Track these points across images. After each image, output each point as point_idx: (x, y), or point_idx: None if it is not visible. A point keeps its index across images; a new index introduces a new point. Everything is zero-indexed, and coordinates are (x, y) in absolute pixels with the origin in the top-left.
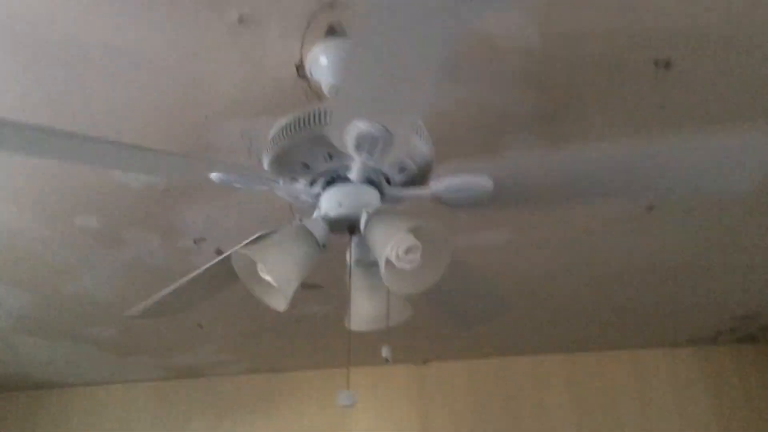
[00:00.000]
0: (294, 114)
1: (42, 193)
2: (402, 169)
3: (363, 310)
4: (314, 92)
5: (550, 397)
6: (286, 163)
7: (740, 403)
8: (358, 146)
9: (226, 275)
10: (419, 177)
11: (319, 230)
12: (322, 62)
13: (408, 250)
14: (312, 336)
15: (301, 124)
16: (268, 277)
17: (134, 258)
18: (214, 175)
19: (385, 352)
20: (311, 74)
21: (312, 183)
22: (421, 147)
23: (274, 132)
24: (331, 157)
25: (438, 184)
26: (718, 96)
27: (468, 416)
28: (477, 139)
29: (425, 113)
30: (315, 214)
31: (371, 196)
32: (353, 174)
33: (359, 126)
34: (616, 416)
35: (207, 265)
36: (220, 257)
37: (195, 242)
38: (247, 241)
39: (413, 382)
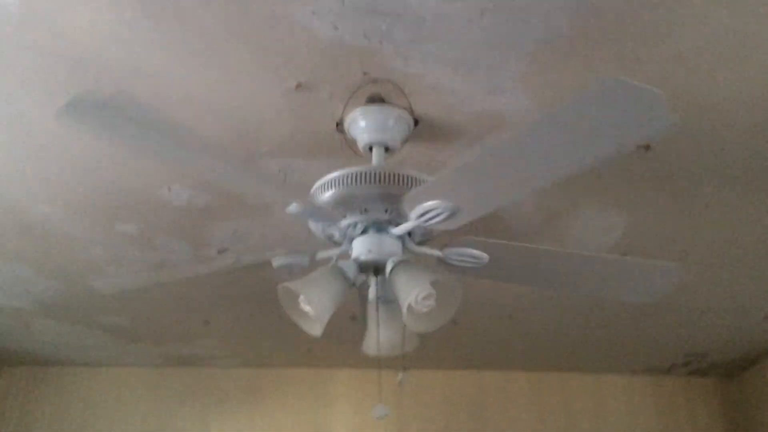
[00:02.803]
0: (354, 169)
1: (92, 201)
2: (424, 230)
3: (379, 339)
4: (348, 145)
5: (516, 410)
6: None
7: (686, 429)
8: (419, 217)
9: None
10: (432, 237)
11: (351, 271)
12: (360, 124)
13: (426, 297)
14: (303, 340)
15: (360, 181)
16: (307, 308)
17: (160, 260)
18: (292, 206)
19: (400, 377)
20: (348, 131)
21: (353, 226)
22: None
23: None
24: (366, 210)
25: (448, 251)
26: (687, 176)
27: (440, 421)
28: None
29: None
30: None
31: (395, 245)
32: (397, 230)
33: (427, 205)
34: None
35: None
36: None
37: (218, 252)
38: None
39: (389, 387)
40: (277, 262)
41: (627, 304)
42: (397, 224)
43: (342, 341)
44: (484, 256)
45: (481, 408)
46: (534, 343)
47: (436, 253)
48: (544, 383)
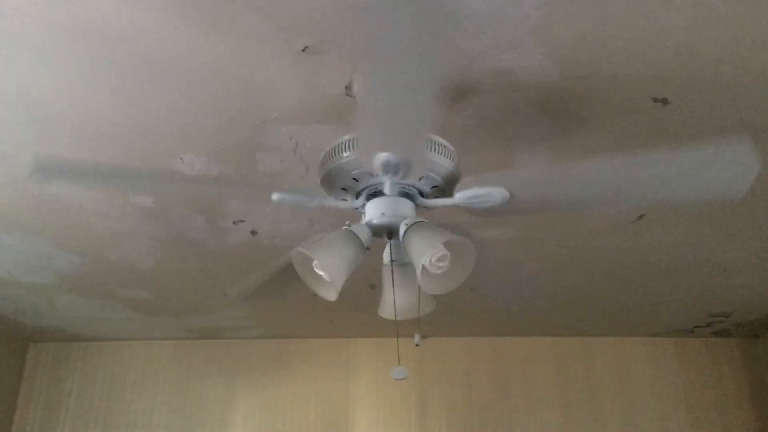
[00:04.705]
0: (334, 143)
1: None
2: (431, 182)
3: (396, 302)
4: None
5: (538, 375)
6: (333, 182)
7: (710, 389)
8: (384, 170)
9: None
10: (447, 188)
11: (364, 234)
12: None
13: (440, 259)
14: (324, 310)
15: (338, 152)
16: (321, 272)
17: (178, 232)
18: (274, 196)
19: (417, 338)
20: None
21: (357, 196)
22: (443, 164)
23: (322, 157)
24: (379, 173)
25: (461, 196)
26: (706, 127)
27: (461, 388)
28: (497, 153)
29: (440, 131)
30: (361, 221)
31: (407, 207)
32: (387, 190)
33: (381, 156)
34: (597, 396)
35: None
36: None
37: (234, 223)
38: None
39: (411, 355)
40: (276, 196)
41: (647, 266)
42: (414, 187)
43: (362, 310)
44: (502, 191)
45: (503, 374)
46: (555, 308)
47: (452, 201)
48: (566, 348)
